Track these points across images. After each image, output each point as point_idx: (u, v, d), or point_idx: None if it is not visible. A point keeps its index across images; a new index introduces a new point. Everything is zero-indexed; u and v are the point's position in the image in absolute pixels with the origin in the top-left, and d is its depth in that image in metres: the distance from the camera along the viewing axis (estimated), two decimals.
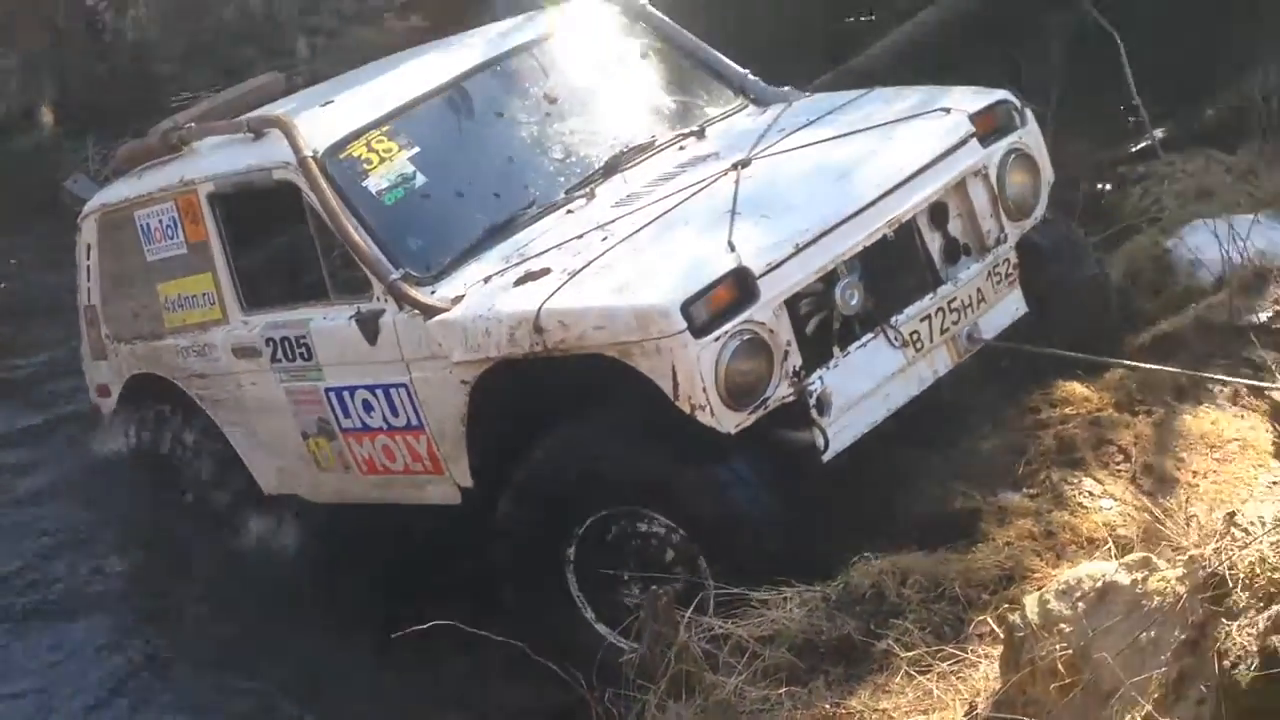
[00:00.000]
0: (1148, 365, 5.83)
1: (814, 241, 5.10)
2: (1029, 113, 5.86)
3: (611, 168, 6.07)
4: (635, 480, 5.06)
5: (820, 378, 5.06)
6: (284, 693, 6.21)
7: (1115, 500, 4.99)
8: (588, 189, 5.94)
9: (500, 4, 12.22)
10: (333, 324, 5.82)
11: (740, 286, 4.87)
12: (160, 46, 12.57)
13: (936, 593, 4.57)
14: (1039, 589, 3.73)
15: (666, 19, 6.89)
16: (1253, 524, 3.00)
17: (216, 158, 6.34)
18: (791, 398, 4.98)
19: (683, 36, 6.87)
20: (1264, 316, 6.18)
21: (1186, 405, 5.53)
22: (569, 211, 5.81)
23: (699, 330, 4.75)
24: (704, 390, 4.75)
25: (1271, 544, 2.83)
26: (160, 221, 6.55)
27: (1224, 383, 5.62)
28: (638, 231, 5.36)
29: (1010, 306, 5.65)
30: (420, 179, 5.93)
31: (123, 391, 7.10)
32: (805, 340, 5.06)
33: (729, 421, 4.84)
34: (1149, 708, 2.99)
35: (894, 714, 4.00)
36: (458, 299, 5.41)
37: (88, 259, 7.10)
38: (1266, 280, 6.41)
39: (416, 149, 5.99)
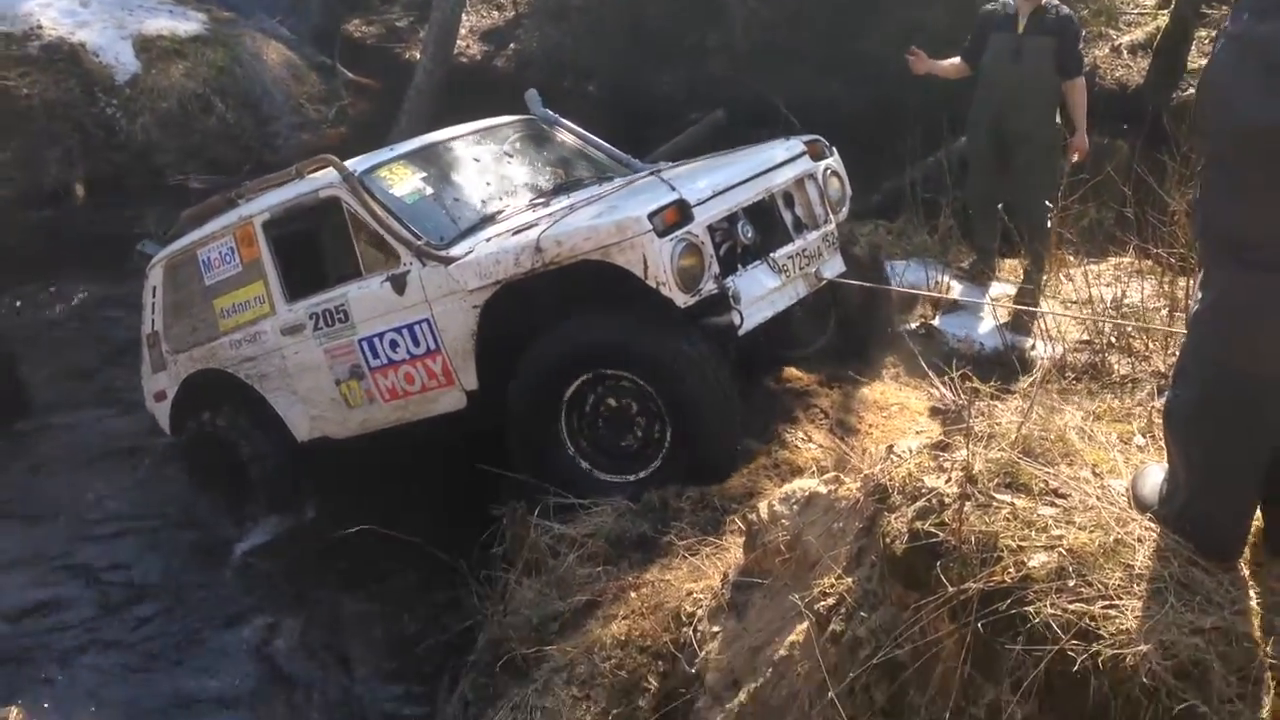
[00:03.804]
0: (919, 291, 6.42)
1: (721, 193, 5.15)
2: (834, 149, 5.97)
3: (559, 189, 6.04)
4: (615, 347, 4.99)
5: (733, 280, 5.07)
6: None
7: (817, 444, 5.06)
8: (544, 199, 5.90)
9: (406, 119, 12.13)
10: (366, 290, 5.65)
11: (681, 210, 4.88)
12: (160, 145, 12.20)
13: (702, 504, 4.61)
14: (769, 499, 3.77)
15: (567, 122, 6.90)
16: (905, 452, 3.08)
17: (267, 199, 6.18)
18: (715, 291, 4.95)
19: (580, 131, 6.89)
20: (913, 325, 6.38)
21: (863, 381, 5.65)
22: (533, 209, 5.76)
23: (660, 233, 4.77)
24: (665, 272, 4.76)
25: (915, 464, 2.88)
26: (219, 253, 6.31)
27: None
28: (597, 200, 5.38)
29: (837, 264, 5.70)
30: (429, 189, 5.89)
31: (178, 390, 6.69)
32: (720, 260, 5.05)
33: (681, 299, 4.83)
34: (839, 570, 3.07)
35: (674, 582, 4.02)
36: (468, 252, 5.34)
37: (153, 298, 6.73)
38: (914, 302, 6.62)
39: (424, 174, 5.95)
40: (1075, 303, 6.24)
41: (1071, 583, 2.33)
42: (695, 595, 3.82)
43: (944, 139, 8.23)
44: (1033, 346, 5.83)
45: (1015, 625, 2.32)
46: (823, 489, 3.51)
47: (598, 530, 4.49)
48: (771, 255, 5.33)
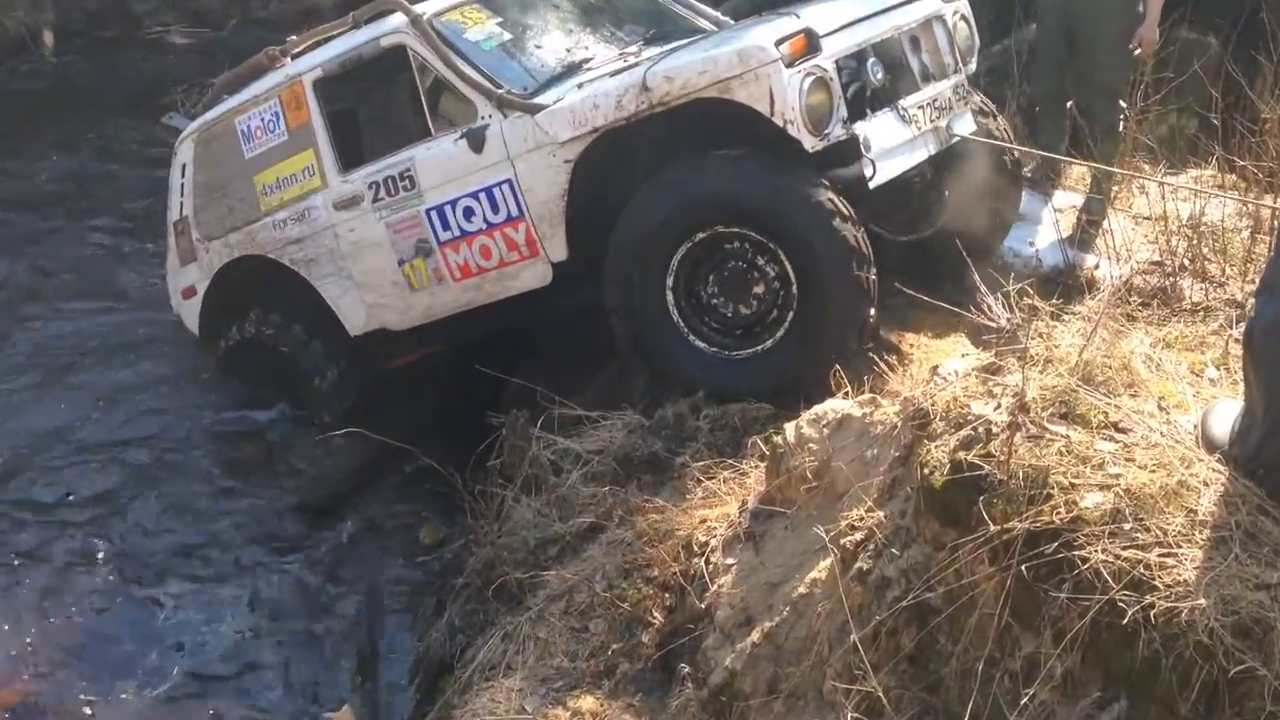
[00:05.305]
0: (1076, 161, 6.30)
1: (849, 26, 4.96)
2: None
3: (651, 40, 5.82)
4: (735, 198, 4.72)
5: (862, 127, 4.86)
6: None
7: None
8: (635, 49, 5.67)
9: None
10: (437, 150, 5.42)
11: (810, 40, 4.68)
12: None
13: (722, 423, 4.59)
14: (796, 420, 3.72)
15: None
16: (950, 375, 3.04)
17: (320, 54, 5.92)
18: (844, 137, 4.76)
19: None
20: None
21: (905, 301, 5.59)
22: (623, 59, 5.52)
23: (788, 64, 4.58)
24: (793, 108, 4.57)
25: (962, 389, 2.85)
26: (262, 120, 6.04)
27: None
28: (706, 38, 5.19)
29: (968, 121, 5.48)
30: (506, 35, 5.69)
31: (210, 283, 6.42)
32: (847, 103, 4.84)
33: (809, 141, 4.64)
34: (870, 502, 3.05)
35: (687, 509, 4.03)
36: (558, 100, 5.15)
37: (182, 177, 6.46)
38: None
39: (500, 17, 5.75)
40: (1147, 218, 6.12)
41: (1127, 527, 2.28)
42: (709, 523, 3.83)
43: (1015, 25, 8.01)
44: (1097, 265, 5.72)
45: (1061, 571, 2.29)
46: (857, 411, 3.52)
47: (605, 447, 4.50)
48: (900, 104, 5.11)
